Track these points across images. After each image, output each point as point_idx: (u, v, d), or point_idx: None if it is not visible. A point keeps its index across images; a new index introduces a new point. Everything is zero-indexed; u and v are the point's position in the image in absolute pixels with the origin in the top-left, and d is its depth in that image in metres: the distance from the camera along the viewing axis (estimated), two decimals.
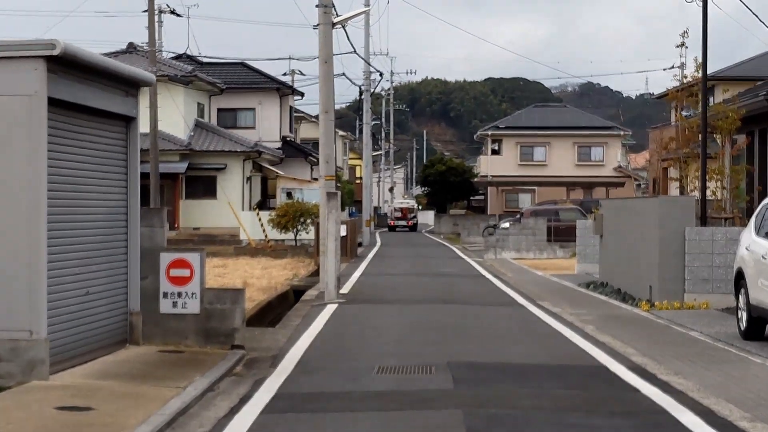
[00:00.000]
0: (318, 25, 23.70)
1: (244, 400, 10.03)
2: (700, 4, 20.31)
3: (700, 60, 22.21)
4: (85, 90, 11.34)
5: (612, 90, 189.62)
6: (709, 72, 24.45)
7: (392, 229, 78.08)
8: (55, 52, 10.26)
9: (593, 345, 14.10)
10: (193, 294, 13.05)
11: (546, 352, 13.47)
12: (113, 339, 12.54)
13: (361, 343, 14.33)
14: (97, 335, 12.06)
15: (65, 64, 10.69)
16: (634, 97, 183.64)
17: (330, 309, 19.12)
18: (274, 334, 15.25)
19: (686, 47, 23.94)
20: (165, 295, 13.06)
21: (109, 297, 12.43)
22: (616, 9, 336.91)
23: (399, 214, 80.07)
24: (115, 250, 12.62)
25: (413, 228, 78.66)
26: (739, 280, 15.30)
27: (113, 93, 12.23)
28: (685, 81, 24.06)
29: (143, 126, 43.78)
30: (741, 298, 15.03)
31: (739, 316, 15.17)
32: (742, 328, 14.95)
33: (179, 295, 13.05)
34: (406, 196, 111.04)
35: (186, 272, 13.04)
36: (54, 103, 10.63)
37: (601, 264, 25.78)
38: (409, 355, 13.07)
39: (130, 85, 12.73)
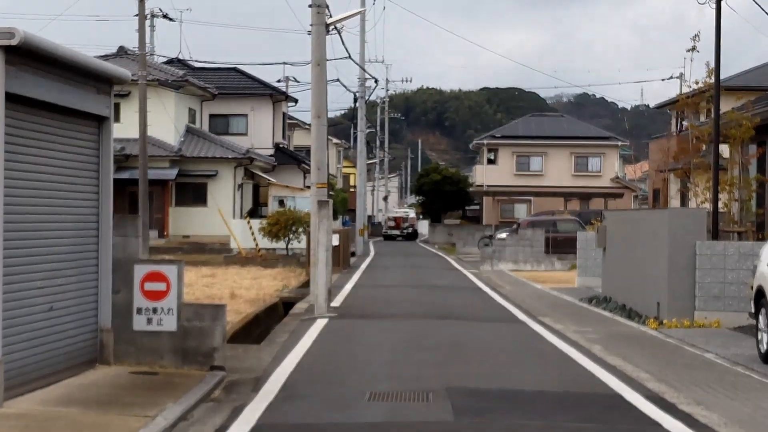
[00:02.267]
0: (311, 25, 22.69)
1: None
2: (713, 6, 19.33)
3: (712, 65, 21.24)
4: (49, 85, 10.27)
5: (607, 101, 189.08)
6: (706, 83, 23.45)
7: (389, 238, 77.66)
8: (14, 42, 9.20)
9: (603, 368, 13.05)
10: (169, 310, 11.99)
11: (553, 377, 12.40)
12: (81, 359, 11.46)
13: (352, 364, 13.26)
14: (63, 355, 10.98)
15: (26, 56, 9.63)
16: (629, 108, 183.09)
17: (320, 324, 18.05)
18: (259, 353, 14.18)
19: (697, 51, 22.93)
20: (139, 310, 12.00)
21: (77, 312, 11.36)
22: (613, 20, 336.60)
23: (393, 224, 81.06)
24: (84, 262, 11.55)
25: (411, 237, 77.92)
26: (760, 299, 14.24)
27: (83, 90, 11.17)
28: (696, 87, 23.06)
29: (132, 131, 43.35)
30: (762, 319, 13.96)
31: (759, 338, 14.11)
32: (762, 351, 13.89)
33: (154, 310, 11.99)
34: (405, 206, 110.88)
35: (162, 286, 11.98)
36: (13, 99, 9.56)
37: (604, 278, 24.73)
38: (404, 378, 12.00)
39: (103, 82, 11.67)
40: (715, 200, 19.79)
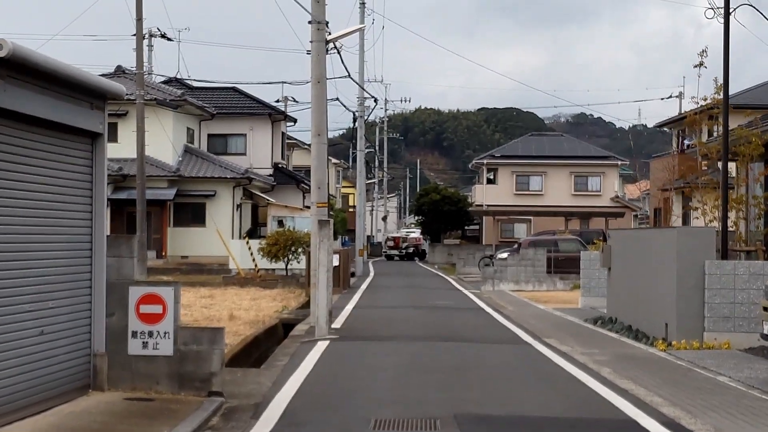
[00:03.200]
0: (311, 42, 22.32)
1: None
2: (721, 20, 18.96)
3: (719, 81, 20.87)
4: (40, 100, 9.86)
5: (605, 121, 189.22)
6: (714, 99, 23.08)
7: (390, 258, 78.44)
8: (2, 54, 8.80)
9: (614, 392, 12.61)
10: (165, 333, 11.55)
11: (563, 402, 11.95)
12: (74, 385, 11.01)
13: (355, 388, 12.80)
14: (54, 381, 10.53)
15: (15, 69, 9.22)
16: (627, 128, 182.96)
17: (321, 346, 17.59)
18: (258, 377, 13.72)
19: (705, 67, 22.53)
20: (134, 334, 11.56)
21: (69, 337, 10.92)
22: (611, 41, 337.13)
23: (392, 243, 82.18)
24: (77, 284, 11.12)
25: (412, 256, 77.73)
26: None
27: (76, 105, 10.77)
28: (705, 103, 22.66)
29: (130, 151, 42.95)
30: None
31: None
32: None
33: (150, 334, 11.55)
34: (405, 225, 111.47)
35: (158, 308, 11.55)
36: (1, 114, 9.16)
37: (609, 298, 24.28)
38: (409, 403, 11.54)
39: (97, 97, 11.27)
40: (724, 219, 19.36)
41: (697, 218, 21.99)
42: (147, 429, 9.50)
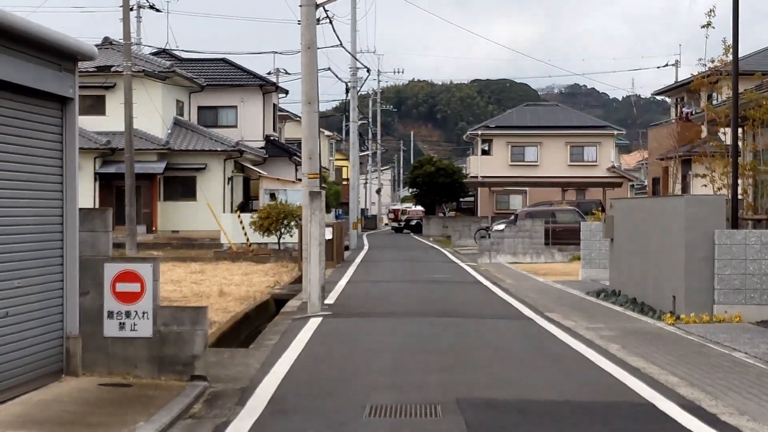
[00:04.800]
0: (300, 6, 21.37)
1: None
2: None
3: (728, 42, 19.98)
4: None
5: (598, 91, 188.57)
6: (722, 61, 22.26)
7: (398, 231, 79.72)
8: None
9: (626, 371, 11.79)
10: (144, 313, 10.71)
11: (573, 383, 11.12)
12: (45, 370, 10.18)
13: (349, 371, 11.95)
14: (22, 366, 9.70)
15: None
16: (621, 99, 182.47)
17: (313, 324, 16.77)
18: (246, 358, 12.88)
19: (713, 27, 21.58)
20: (110, 314, 10.72)
21: (39, 318, 10.08)
22: (604, 11, 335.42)
23: (392, 216, 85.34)
24: (47, 261, 10.27)
25: (416, 228, 76.92)
26: None
27: (42, 66, 9.87)
28: (712, 65, 21.77)
29: (118, 124, 42.01)
30: None
31: None
32: None
33: (127, 314, 10.71)
34: (399, 198, 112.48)
35: (136, 287, 10.70)
36: None
37: (611, 270, 23.46)
38: (408, 387, 10.71)
39: (66, 58, 10.36)
40: (735, 186, 18.48)
41: (705, 186, 21.08)
42: (122, 418, 8.68)
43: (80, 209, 10.68)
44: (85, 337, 10.62)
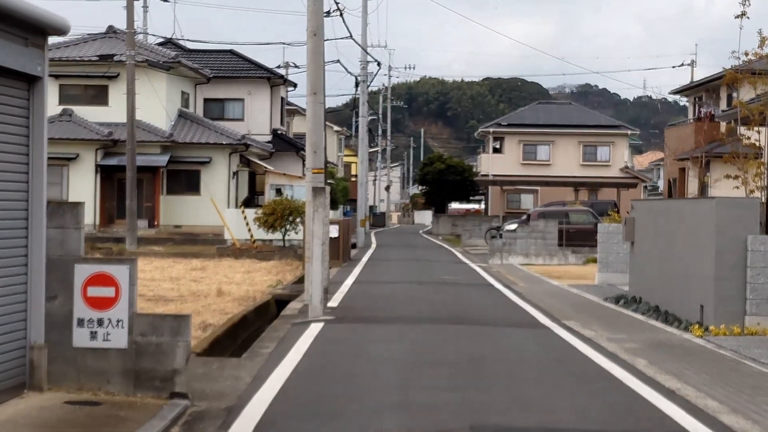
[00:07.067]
0: None
1: None
2: None
3: (765, 33, 18.76)
4: None
5: (610, 92, 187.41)
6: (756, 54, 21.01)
7: None
8: None
9: (658, 392, 10.55)
10: (118, 321, 9.49)
11: (601, 407, 9.86)
12: (4, 384, 8.96)
13: (351, 387, 10.69)
14: None
15: None
16: (632, 99, 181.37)
17: (314, 330, 15.55)
18: (237, 370, 11.64)
19: (747, 17, 20.32)
20: (80, 322, 9.50)
21: None
22: (618, 12, 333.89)
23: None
24: (8, 260, 9.05)
25: None
26: None
27: (4, 40, 8.66)
28: (747, 58, 20.50)
29: (120, 115, 40.86)
30: None
31: None
32: None
33: (100, 322, 9.49)
34: (409, 195, 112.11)
35: (110, 291, 9.48)
36: None
37: (631, 275, 22.21)
38: (416, 409, 9.46)
39: (33, 32, 9.14)
40: None
41: (737, 188, 19.82)
42: None
43: (49, 202, 9.47)
44: (51, 348, 9.41)
